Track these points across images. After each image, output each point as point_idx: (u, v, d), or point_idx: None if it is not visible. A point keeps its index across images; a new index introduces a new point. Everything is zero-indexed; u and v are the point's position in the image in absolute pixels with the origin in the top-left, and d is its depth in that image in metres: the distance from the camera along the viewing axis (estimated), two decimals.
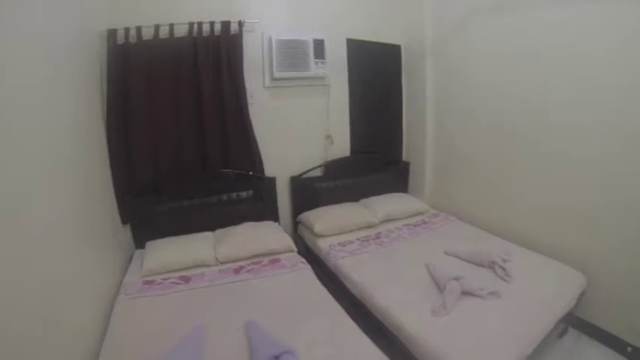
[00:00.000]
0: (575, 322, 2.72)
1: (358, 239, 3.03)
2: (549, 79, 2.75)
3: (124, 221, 2.87)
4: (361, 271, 2.56)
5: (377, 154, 3.96)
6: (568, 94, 2.62)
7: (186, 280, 2.45)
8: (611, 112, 2.40)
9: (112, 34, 2.58)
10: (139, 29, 2.65)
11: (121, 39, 2.62)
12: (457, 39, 3.47)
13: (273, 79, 3.20)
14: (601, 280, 2.61)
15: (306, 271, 2.59)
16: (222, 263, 2.66)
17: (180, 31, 2.79)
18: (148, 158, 2.90)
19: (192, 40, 2.82)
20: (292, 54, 3.14)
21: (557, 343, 2.64)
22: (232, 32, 2.91)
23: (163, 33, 2.73)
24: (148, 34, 2.69)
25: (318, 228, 3.09)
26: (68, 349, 1.61)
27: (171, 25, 2.74)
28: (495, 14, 3.07)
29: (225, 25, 2.87)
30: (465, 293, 2.24)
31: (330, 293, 2.33)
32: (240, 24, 2.93)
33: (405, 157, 4.21)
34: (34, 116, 1.51)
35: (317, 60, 3.24)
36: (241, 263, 2.65)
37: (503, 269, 2.49)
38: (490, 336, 1.92)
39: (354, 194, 3.65)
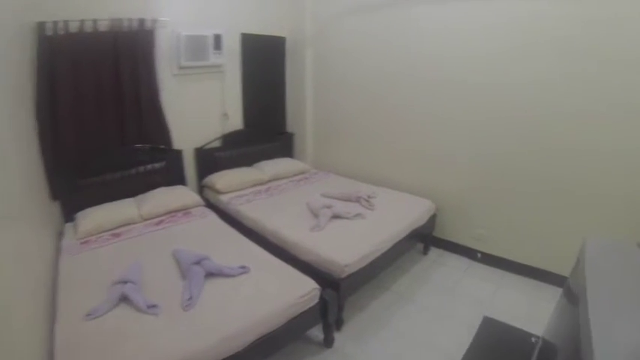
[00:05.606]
0: (435, 241, 3.57)
1: (252, 192, 3.76)
2: (399, 64, 3.58)
3: (54, 197, 3.09)
4: (255, 211, 3.31)
5: (265, 127, 4.62)
6: (413, 78, 3.50)
7: (118, 235, 2.87)
8: (447, 77, 3.27)
9: (41, 26, 2.76)
10: (66, 23, 2.85)
11: (49, 31, 2.79)
12: (330, 32, 4.26)
13: (180, 67, 3.65)
14: (450, 207, 3.43)
15: (213, 217, 3.28)
16: (145, 220, 3.14)
17: (103, 26, 3.05)
18: (74, 138, 3.12)
19: (114, 34, 3.11)
20: (196, 47, 3.63)
21: (424, 259, 3.46)
22: (147, 28, 3.27)
23: (88, 27, 2.97)
24: (74, 27, 2.90)
25: (219, 186, 3.74)
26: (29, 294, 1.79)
27: (95, 20, 2.99)
28: (357, 15, 3.90)
29: (142, 22, 3.22)
30: (336, 217, 2.96)
31: None
32: (154, 21, 3.30)
33: (289, 129, 4.95)
34: None
35: (215, 51, 3.78)
36: (161, 218, 3.19)
37: (368, 202, 3.19)
38: (351, 240, 2.65)
39: (247, 160, 4.29)
